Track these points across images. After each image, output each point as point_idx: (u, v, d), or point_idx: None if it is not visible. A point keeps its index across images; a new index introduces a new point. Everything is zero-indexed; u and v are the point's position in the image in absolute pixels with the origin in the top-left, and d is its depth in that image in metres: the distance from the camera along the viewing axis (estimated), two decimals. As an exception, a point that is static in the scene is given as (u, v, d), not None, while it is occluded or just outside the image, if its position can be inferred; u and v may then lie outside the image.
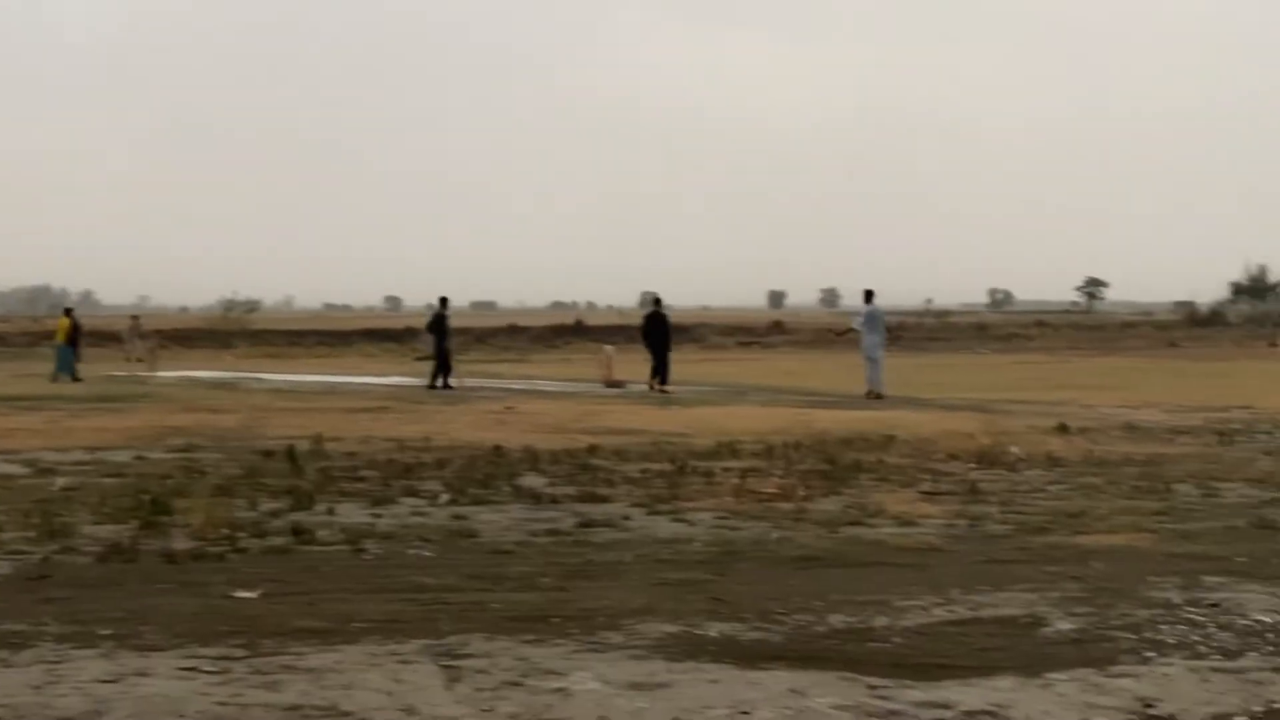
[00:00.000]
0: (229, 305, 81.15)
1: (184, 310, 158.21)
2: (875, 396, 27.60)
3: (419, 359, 52.12)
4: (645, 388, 30.41)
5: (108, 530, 10.94)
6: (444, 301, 33.57)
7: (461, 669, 6.88)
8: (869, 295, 29.87)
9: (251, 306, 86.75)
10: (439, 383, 31.63)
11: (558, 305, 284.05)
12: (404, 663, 7.00)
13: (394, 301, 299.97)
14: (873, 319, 29.36)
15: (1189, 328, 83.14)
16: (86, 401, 26.28)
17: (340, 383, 34.32)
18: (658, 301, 33.54)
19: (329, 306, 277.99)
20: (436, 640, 7.43)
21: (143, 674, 6.80)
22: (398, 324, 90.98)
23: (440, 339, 32.49)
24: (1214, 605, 8.24)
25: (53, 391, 30.22)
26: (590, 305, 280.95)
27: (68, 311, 39.86)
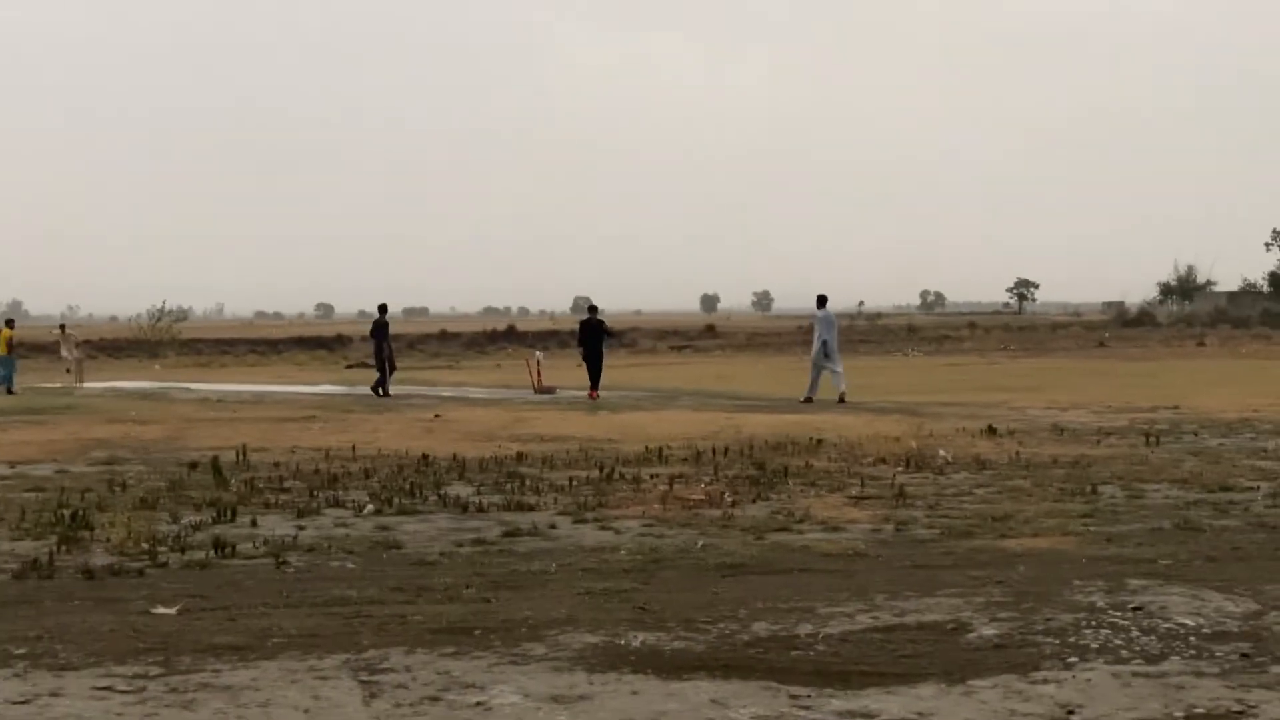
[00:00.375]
0: (157, 315, 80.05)
1: (114, 320, 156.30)
2: (805, 400, 27.50)
3: (348, 366, 51.85)
4: (585, 396, 30.03)
5: (26, 546, 10.76)
6: (383, 308, 33.48)
7: (380, 684, 6.79)
8: (821, 300, 29.42)
9: (180, 316, 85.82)
10: (381, 389, 31.45)
11: (490, 311, 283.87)
12: (322, 679, 6.90)
13: (326, 309, 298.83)
14: (825, 325, 29.05)
15: (1118, 328, 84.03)
16: (9, 414, 25.86)
17: (269, 392, 33.98)
18: (593, 309, 33.29)
19: (260, 315, 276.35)
20: (356, 655, 7.33)
21: (56, 694, 6.66)
22: (329, 331, 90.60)
23: (380, 345, 32.36)
24: (1137, 609, 8.27)
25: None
26: (523, 310, 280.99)
27: (8, 322, 39.28)
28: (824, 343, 28.57)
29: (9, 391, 35.70)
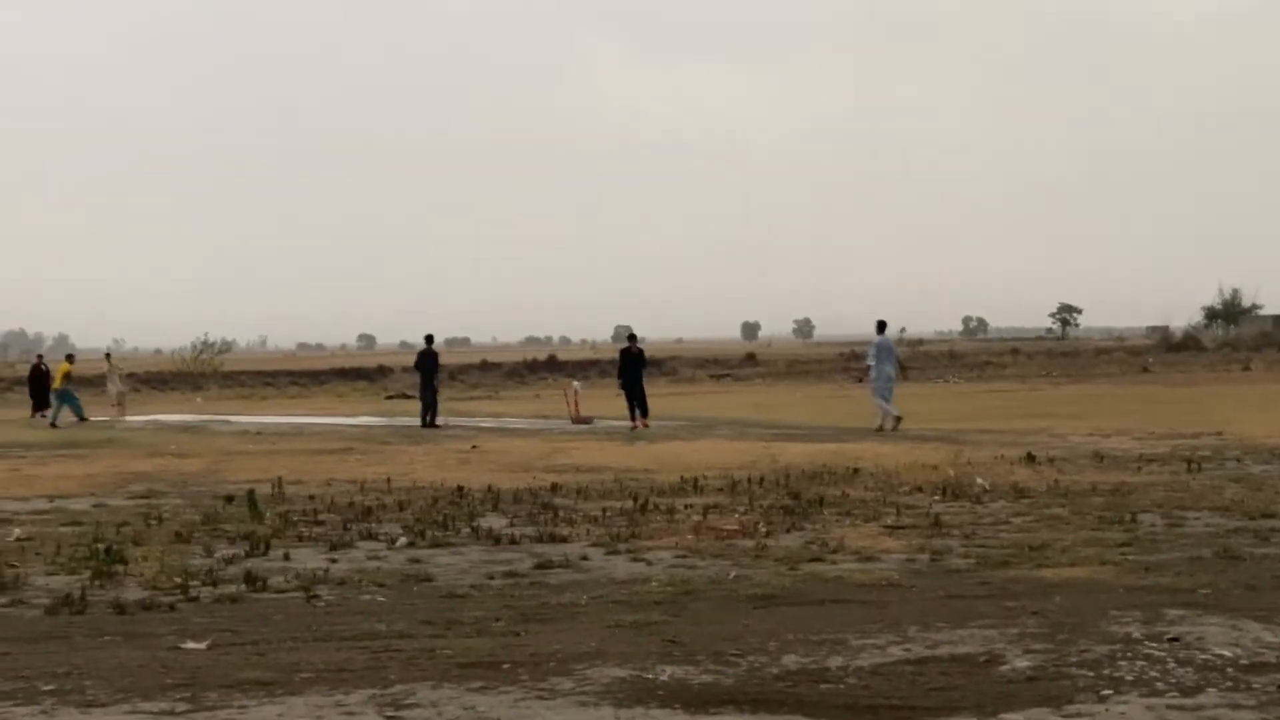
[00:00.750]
0: (200, 348, 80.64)
1: (158, 353, 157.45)
2: (894, 427, 27.03)
3: (388, 397, 52.03)
4: (626, 427, 29.75)
5: (60, 581, 10.79)
6: (429, 339, 33.51)
7: (407, 718, 6.75)
8: (881, 326, 29.13)
9: (224, 348, 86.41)
10: (430, 418, 31.48)
11: (531, 340, 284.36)
12: (348, 714, 6.86)
13: (368, 340, 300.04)
14: (885, 350, 28.78)
15: (1162, 353, 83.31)
16: (51, 448, 26.07)
17: (308, 424, 34.12)
18: (632, 337, 33.02)
19: (302, 346, 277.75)
20: (383, 690, 7.29)
21: (81, 732, 6.65)
22: (370, 363, 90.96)
23: (431, 376, 32.30)
24: (1174, 640, 8.15)
25: (14, 438, 29.93)
26: (564, 340, 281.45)
27: (69, 357, 39.83)
28: (883, 369, 28.26)
29: (53, 425, 36.07)
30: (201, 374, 71.09)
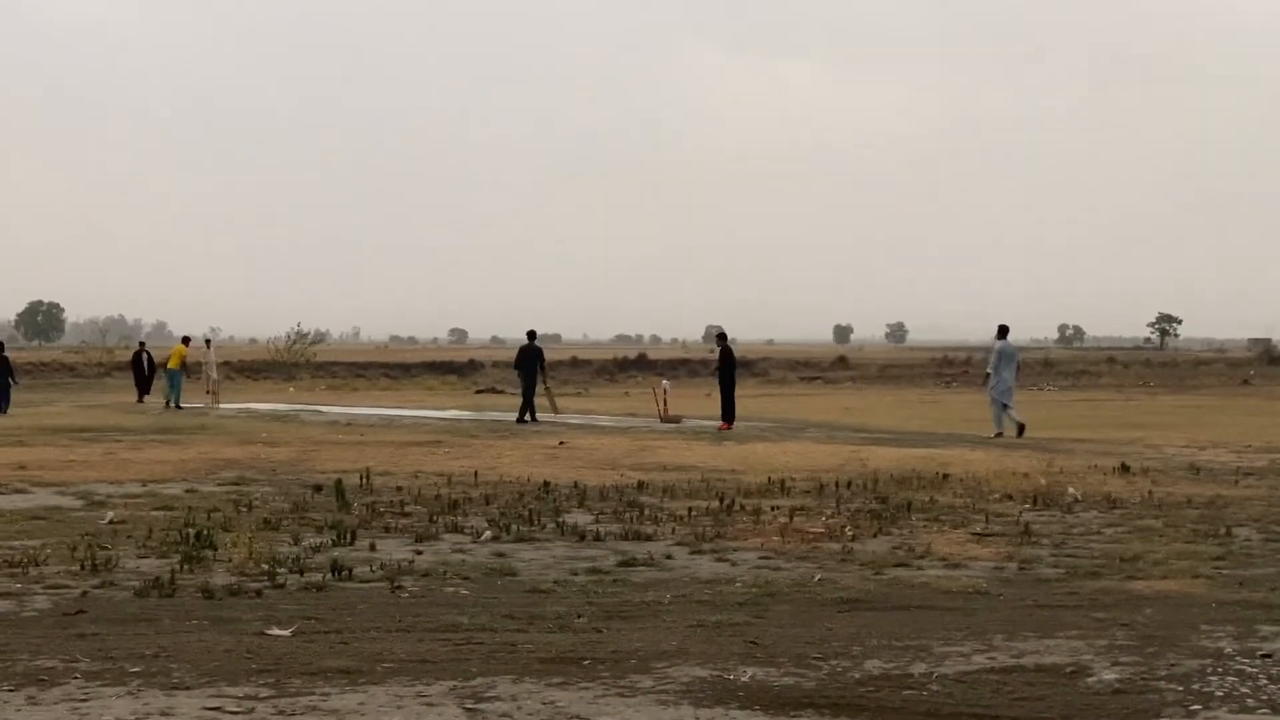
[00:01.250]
0: (295, 338, 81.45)
1: (253, 342, 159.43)
2: (1018, 434, 26.64)
3: (478, 391, 52.33)
4: (724, 426, 29.38)
5: (150, 564, 10.95)
6: (532, 335, 33.51)
7: (486, 713, 6.76)
8: (1003, 330, 28.78)
9: (317, 339, 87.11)
10: (532, 416, 31.55)
11: (622, 338, 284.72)
12: (429, 705, 6.88)
13: (459, 334, 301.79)
14: (1005, 357, 28.45)
15: (1264, 365, 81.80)
16: (145, 433, 26.47)
17: (397, 416, 34.39)
18: (722, 336, 32.60)
19: (394, 339, 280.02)
20: (464, 682, 7.31)
21: (166, 713, 6.72)
22: (461, 356, 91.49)
23: (534, 370, 32.34)
24: (1267, 656, 7.98)
25: (113, 422, 30.42)
26: (654, 339, 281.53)
27: (185, 340, 40.62)
28: (1003, 375, 27.96)
29: (177, 406, 36.91)
30: (294, 364, 71.76)
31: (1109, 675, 7.57)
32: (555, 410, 33.52)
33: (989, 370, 28.57)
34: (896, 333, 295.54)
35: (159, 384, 40.80)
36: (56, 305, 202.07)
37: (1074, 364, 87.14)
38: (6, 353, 37.11)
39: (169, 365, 39.45)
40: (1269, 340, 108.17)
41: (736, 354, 32.45)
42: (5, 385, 35.71)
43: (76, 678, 7.39)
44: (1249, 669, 7.69)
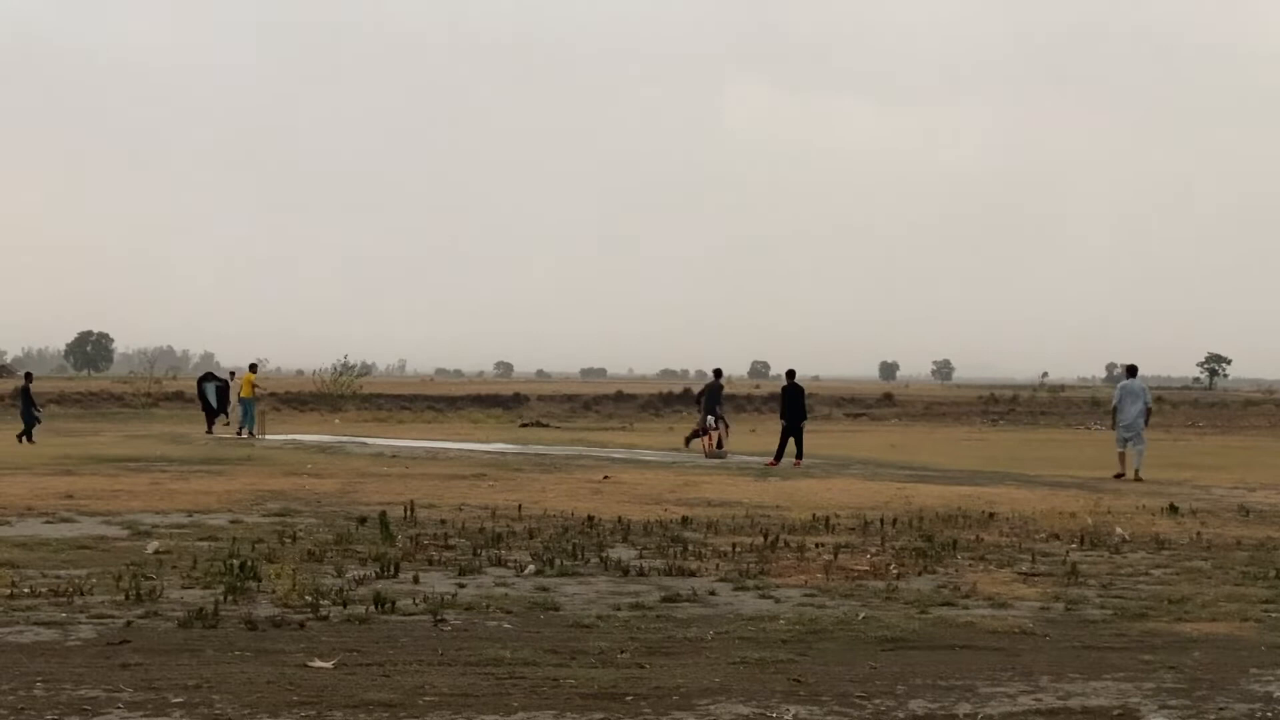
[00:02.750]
0: (340, 369, 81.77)
1: (300, 373, 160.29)
2: (1135, 479, 26.20)
3: (523, 425, 52.39)
4: (772, 463, 29.21)
5: (194, 595, 10.98)
6: (718, 373, 33.81)
7: (526, 748, 6.74)
8: (1132, 370, 28.74)
9: (364, 371, 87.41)
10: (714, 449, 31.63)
11: (667, 373, 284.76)
12: (470, 740, 6.87)
13: (505, 367, 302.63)
14: (1130, 396, 28.22)
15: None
16: (192, 463, 26.61)
17: (442, 449, 34.45)
18: (791, 374, 31.96)
19: (440, 372, 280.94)
20: (505, 717, 7.29)
21: (207, 744, 6.73)
22: (507, 390, 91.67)
23: (713, 406, 32.55)
24: (1317, 701, 7.87)
25: (160, 453, 30.61)
26: (700, 374, 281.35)
27: (253, 367, 41.41)
28: (1128, 414, 27.73)
29: (250, 434, 37.71)
30: (340, 395, 72.04)
31: (1157, 718, 7.48)
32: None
33: (1127, 410, 28.16)
34: (943, 370, 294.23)
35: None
36: (106, 335, 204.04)
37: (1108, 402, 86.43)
38: (32, 384, 38.29)
39: (241, 394, 40.29)
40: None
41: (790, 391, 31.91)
42: (30, 416, 36.35)
43: (119, 708, 7.41)
44: (1300, 714, 7.58)
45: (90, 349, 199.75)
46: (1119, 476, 26.42)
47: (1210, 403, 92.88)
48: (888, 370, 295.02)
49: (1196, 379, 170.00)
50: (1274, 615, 10.86)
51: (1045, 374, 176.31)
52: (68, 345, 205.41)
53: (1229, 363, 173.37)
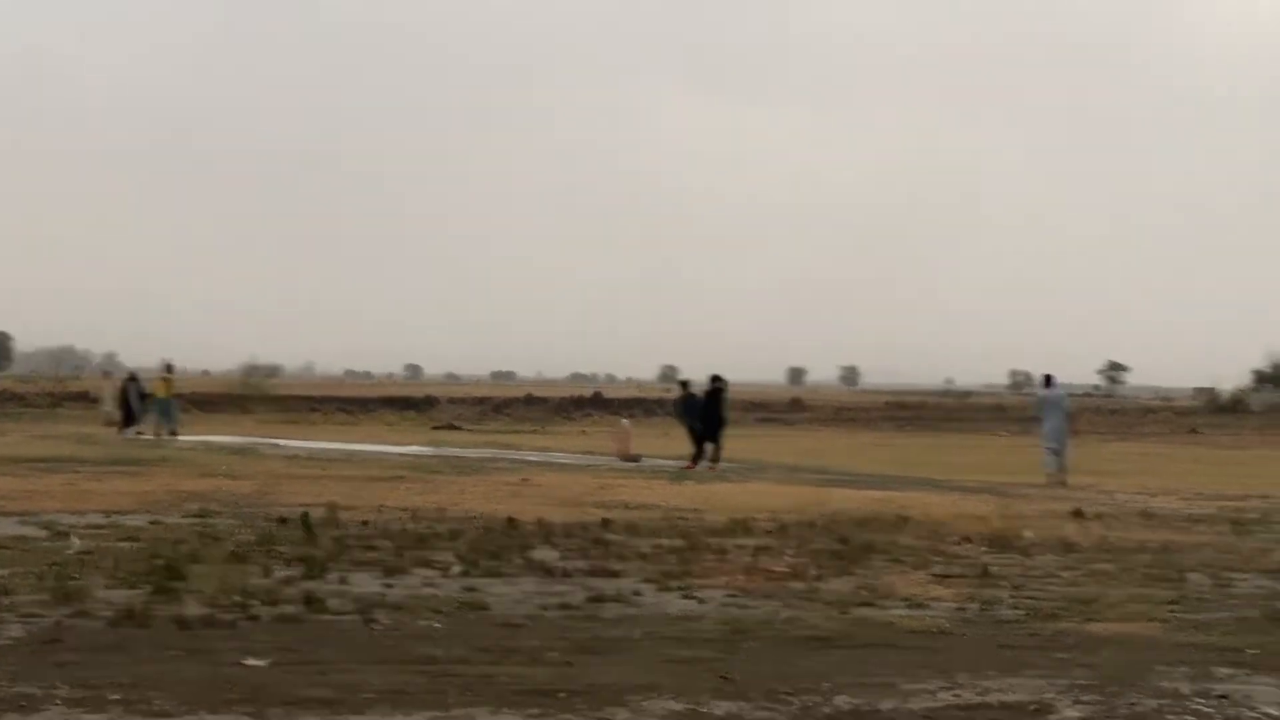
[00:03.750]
0: (250, 370, 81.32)
1: (205, 374, 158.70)
2: (1059, 484, 26.88)
3: (435, 428, 52.35)
4: (683, 465, 29.66)
5: (121, 595, 11.01)
6: (716, 378, 32.60)
7: (466, 742, 6.91)
8: (1047, 380, 29.38)
9: (272, 372, 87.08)
10: (703, 460, 31.01)
11: (577, 377, 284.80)
12: (410, 735, 7.03)
13: (414, 369, 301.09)
14: (1050, 404, 28.81)
15: (1210, 414, 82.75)
16: (104, 464, 26.41)
17: (358, 450, 34.42)
18: (716, 378, 32.09)
19: (349, 373, 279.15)
20: (442, 712, 7.47)
21: (150, 740, 6.84)
22: (418, 392, 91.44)
23: (709, 414, 31.54)
24: (1222, 697, 8.24)
25: (70, 453, 30.33)
26: (609, 378, 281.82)
27: (168, 368, 42.76)
28: (1052, 423, 28.32)
29: (173, 433, 39.05)
30: (251, 397, 71.58)
31: (1071, 714, 7.80)
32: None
33: (1037, 414, 29.04)
34: (850, 376, 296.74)
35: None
36: (5, 334, 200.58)
37: (1025, 409, 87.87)
38: None
39: (159, 394, 40.94)
40: (1214, 390, 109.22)
41: (699, 396, 32.19)
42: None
43: (58, 704, 7.50)
44: (1205, 709, 7.94)
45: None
46: (1055, 482, 27.03)
47: (1111, 410, 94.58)
48: (795, 375, 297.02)
49: (1096, 386, 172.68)
50: (1178, 615, 11.26)
51: (950, 380, 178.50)
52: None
53: (1127, 370, 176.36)
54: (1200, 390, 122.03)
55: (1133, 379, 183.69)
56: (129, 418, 42.02)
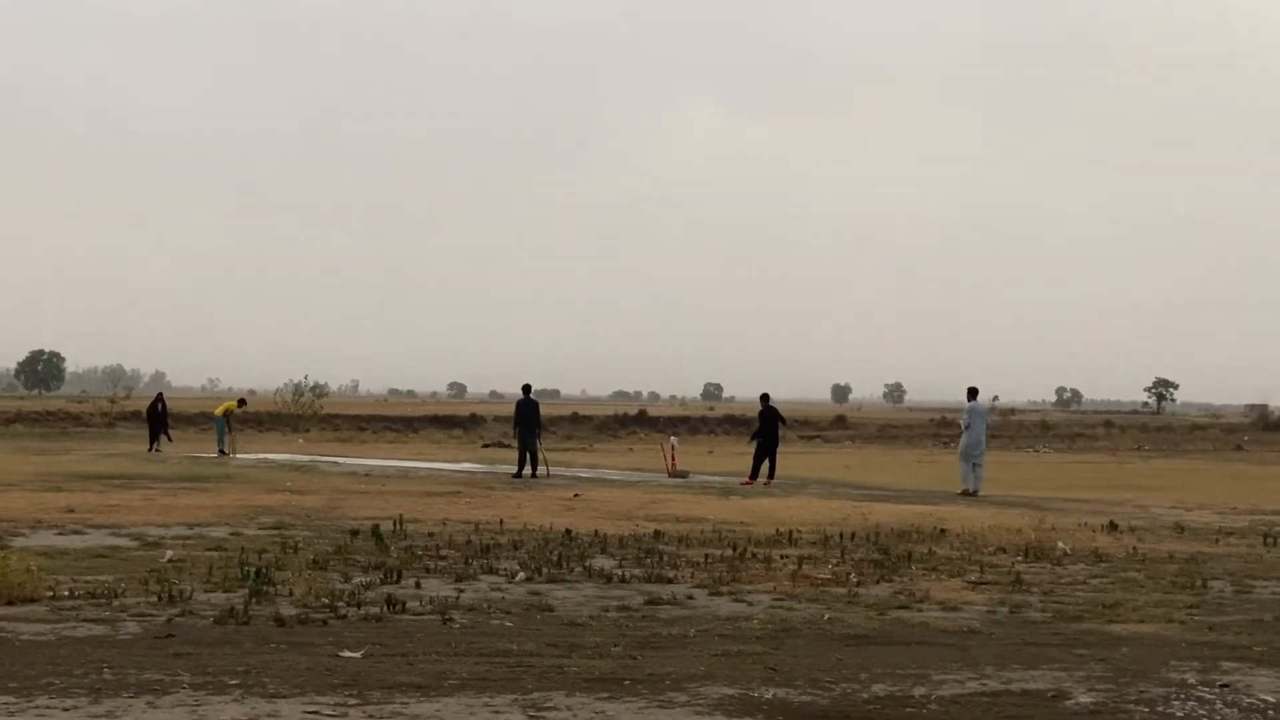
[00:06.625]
0: (299, 390, 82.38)
1: (252, 393, 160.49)
2: (969, 494, 27.84)
3: (485, 445, 53.37)
4: (743, 483, 30.35)
5: (220, 597, 12.04)
6: (527, 389, 33.53)
7: (547, 718, 7.86)
8: (972, 393, 30.06)
9: (321, 391, 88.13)
10: (528, 470, 32.25)
11: (620, 395, 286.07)
12: (496, 713, 7.99)
13: (458, 388, 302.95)
14: (977, 416, 29.60)
15: (1259, 431, 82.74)
16: (175, 480, 27.55)
17: (412, 467, 35.48)
18: (765, 397, 33.13)
19: (393, 392, 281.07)
20: (523, 695, 8.41)
21: (274, 715, 7.82)
22: (463, 411, 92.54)
23: (527, 426, 32.56)
24: (1224, 686, 9.09)
25: (139, 470, 31.49)
26: (653, 395, 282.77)
27: (241, 402, 46.07)
28: (977, 434, 29.11)
29: (222, 452, 40.73)
30: (300, 416, 72.62)
31: (1085, 699, 8.67)
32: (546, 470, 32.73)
33: (963, 426, 29.84)
34: (895, 393, 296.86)
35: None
36: (57, 354, 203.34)
37: (1070, 427, 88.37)
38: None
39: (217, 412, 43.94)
40: (1265, 406, 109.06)
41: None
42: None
43: (184, 688, 8.48)
44: (1208, 696, 8.80)
45: (41, 368, 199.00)
46: (969, 494, 27.87)
47: (1157, 427, 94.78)
48: (840, 393, 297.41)
49: (1145, 403, 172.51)
50: (1196, 618, 12.10)
51: (996, 398, 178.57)
52: (19, 364, 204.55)
53: (1176, 388, 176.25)
54: (1251, 407, 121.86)
55: (1183, 395, 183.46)
56: (155, 436, 43.61)
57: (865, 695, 8.67)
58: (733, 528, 19.28)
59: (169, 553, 15.06)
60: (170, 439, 44.56)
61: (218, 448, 41.54)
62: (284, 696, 8.27)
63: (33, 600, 11.62)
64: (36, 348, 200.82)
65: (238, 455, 40.00)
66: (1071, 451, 59.78)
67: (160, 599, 11.78)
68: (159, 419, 43.97)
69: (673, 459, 34.37)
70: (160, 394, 47.89)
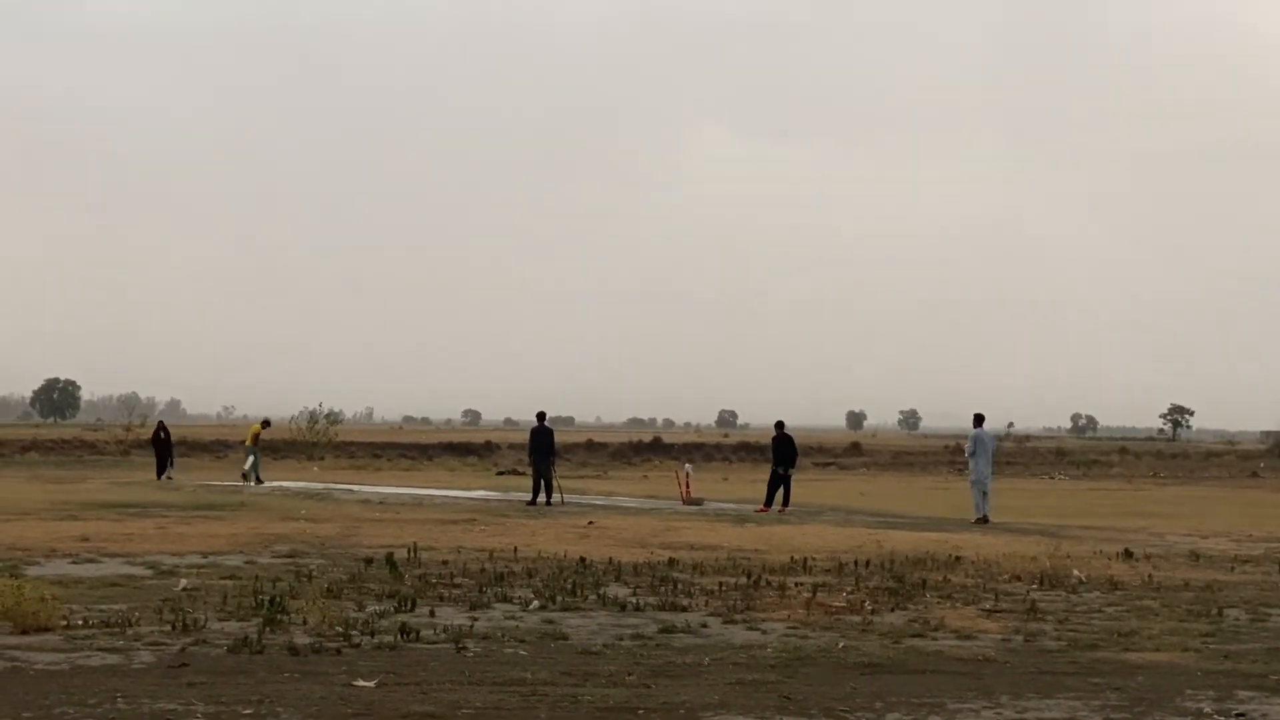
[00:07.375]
0: (314, 417, 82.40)
1: (267, 425, 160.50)
2: (982, 521, 27.82)
3: (499, 473, 53.39)
4: (758, 510, 30.26)
5: (233, 626, 12.05)
6: (541, 416, 33.58)
7: (560, 749, 7.86)
8: (978, 419, 30.11)
9: (335, 419, 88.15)
10: (541, 498, 32.35)
11: (635, 422, 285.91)
12: (509, 743, 7.98)
13: (473, 415, 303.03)
14: (981, 444, 29.65)
15: (1275, 458, 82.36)
16: (189, 509, 27.59)
17: (427, 495, 35.49)
18: (780, 425, 33.01)
19: (408, 419, 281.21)
20: (537, 725, 8.40)
21: (285, 744, 7.83)
22: (478, 438, 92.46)
23: (543, 452, 32.90)
24: (1240, 715, 9.06)
25: (153, 498, 31.55)
26: (668, 423, 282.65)
27: (265, 423, 45.79)
28: (984, 461, 29.08)
29: (258, 481, 40.41)
30: (315, 443, 72.65)
31: (1101, 728, 8.65)
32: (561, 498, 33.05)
33: (967, 455, 29.79)
34: (909, 420, 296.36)
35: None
36: (72, 383, 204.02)
37: (1086, 453, 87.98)
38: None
39: (245, 443, 44.09)
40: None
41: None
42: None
43: (198, 717, 8.49)
44: (1224, 725, 8.77)
45: (57, 396, 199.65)
46: (982, 521, 27.78)
47: (1172, 454, 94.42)
48: (854, 420, 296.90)
49: (1160, 430, 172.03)
50: (1211, 646, 12.06)
51: (1011, 424, 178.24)
52: (34, 392, 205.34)
53: (1191, 414, 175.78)
54: (1267, 434, 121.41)
55: (1198, 422, 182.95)
56: (162, 464, 43.83)
57: (880, 724, 8.64)
58: (747, 555, 19.25)
59: (183, 581, 15.09)
60: (172, 464, 44.69)
61: (254, 477, 41.20)
62: (298, 726, 8.27)
63: (47, 629, 11.65)
64: (51, 376, 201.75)
65: (252, 483, 40.03)
66: (1087, 478, 59.57)
67: (174, 628, 11.80)
68: (164, 446, 44.19)
69: (687, 486, 34.35)
70: (161, 422, 48.18)
